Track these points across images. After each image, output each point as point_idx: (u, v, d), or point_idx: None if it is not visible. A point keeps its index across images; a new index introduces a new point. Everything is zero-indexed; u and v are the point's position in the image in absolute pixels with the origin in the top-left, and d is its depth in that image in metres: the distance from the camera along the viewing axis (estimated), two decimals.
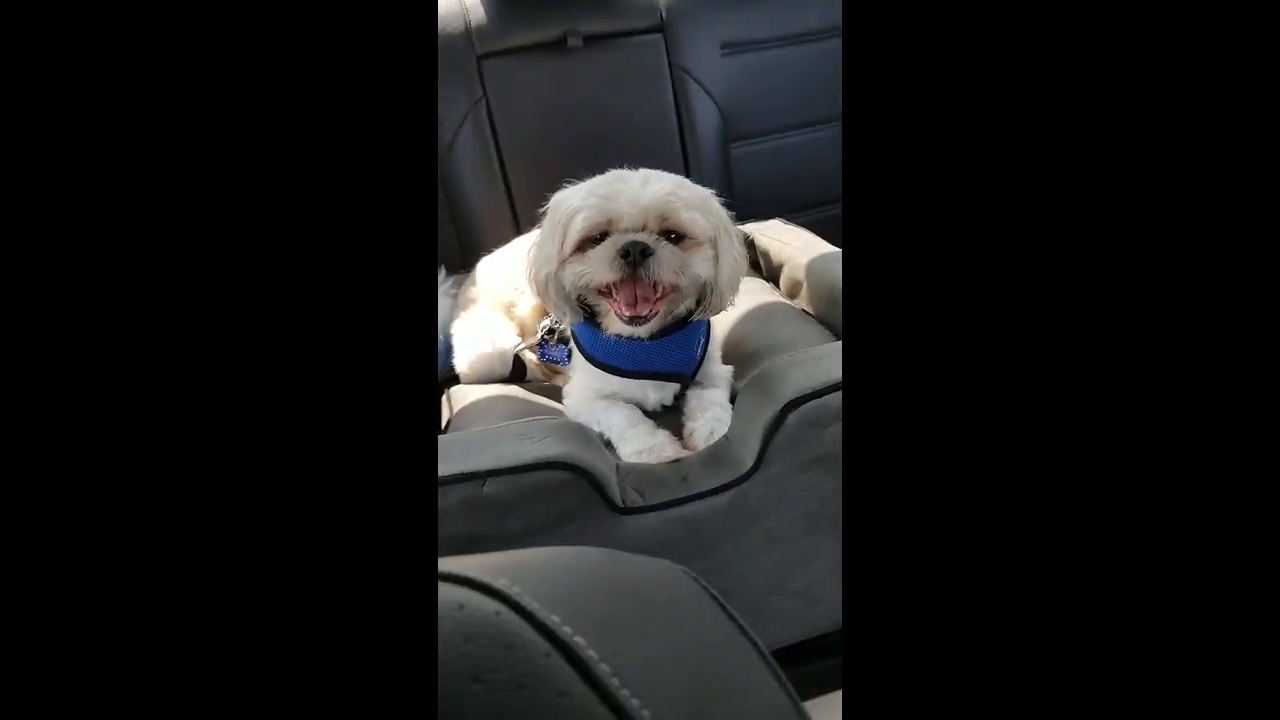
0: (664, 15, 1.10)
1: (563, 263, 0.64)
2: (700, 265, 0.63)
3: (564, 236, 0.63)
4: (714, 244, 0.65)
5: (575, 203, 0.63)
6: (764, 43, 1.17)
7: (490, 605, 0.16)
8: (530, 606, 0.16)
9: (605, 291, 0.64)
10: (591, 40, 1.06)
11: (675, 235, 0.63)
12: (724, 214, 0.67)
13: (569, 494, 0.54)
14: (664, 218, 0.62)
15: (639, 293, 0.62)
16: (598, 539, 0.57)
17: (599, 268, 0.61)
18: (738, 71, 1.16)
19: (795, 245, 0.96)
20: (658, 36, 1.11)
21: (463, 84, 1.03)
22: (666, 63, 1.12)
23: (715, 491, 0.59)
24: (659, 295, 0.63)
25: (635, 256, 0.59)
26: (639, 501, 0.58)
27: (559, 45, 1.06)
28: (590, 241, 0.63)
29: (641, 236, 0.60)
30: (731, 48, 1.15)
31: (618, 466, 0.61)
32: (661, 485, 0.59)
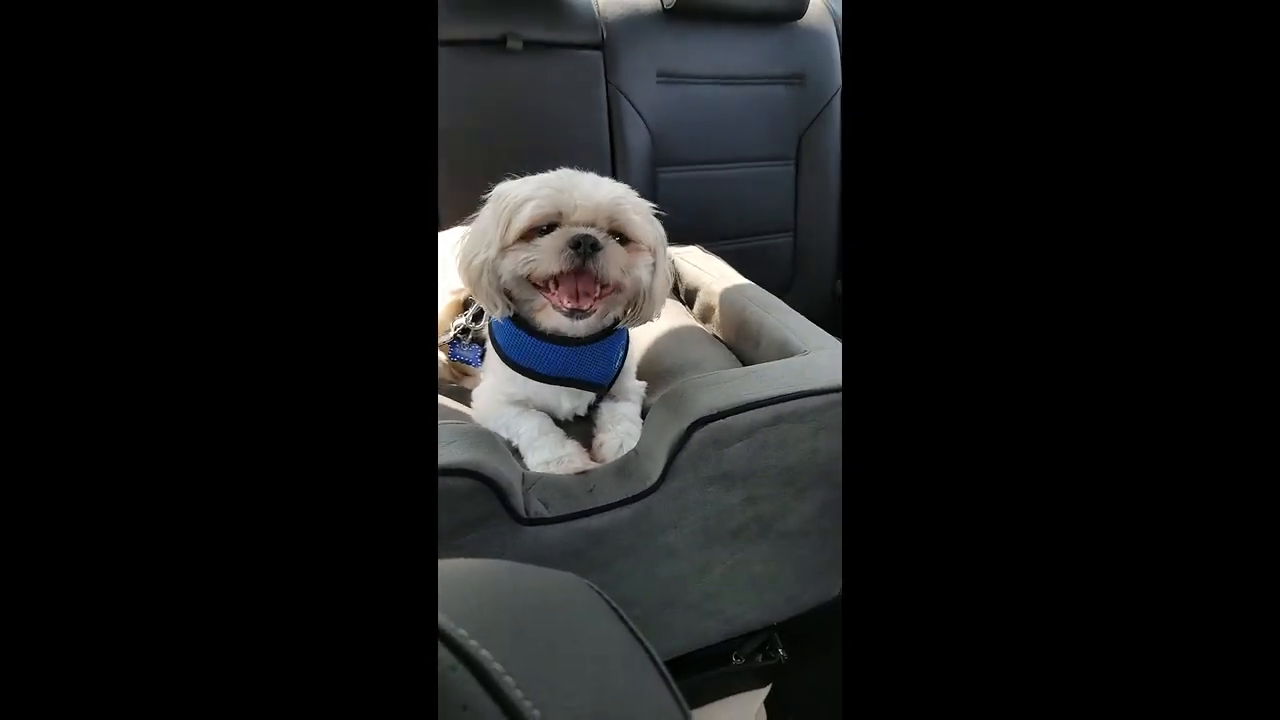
0: (605, 34, 1.13)
1: (503, 250, 0.63)
2: (642, 269, 0.65)
3: (508, 224, 0.62)
4: (654, 253, 0.67)
5: (526, 191, 0.63)
6: (698, 78, 1.22)
7: None
8: (441, 621, 0.16)
9: (542, 285, 0.64)
10: (531, 46, 1.06)
11: (621, 238, 0.64)
12: (661, 229, 0.69)
13: (473, 502, 0.53)
14: (613, 218, 0.63)
15: (581, 286, 0.62)
16: (498, 548, 0.56)
17: (547, 256, 0.61)
18: (671, 100, 1.21)
19: (710, 273, 1.01)
20: (597, 54, 1.13)
21: None
22: (604, 80, 1.14)
23: (620, 504, 0.60)
24: (601, 293, 0.63)
25: (585, 249, 0.60)
26: (543, 512, 0.58)
27: (498, 45, 1.04)
28: (536, 232, 0.62)
29: (591, 231, 0.61)
30: (667, 77, 1.19)
31: (524, 476, 0.61)
32: (568, 496, 0.59)
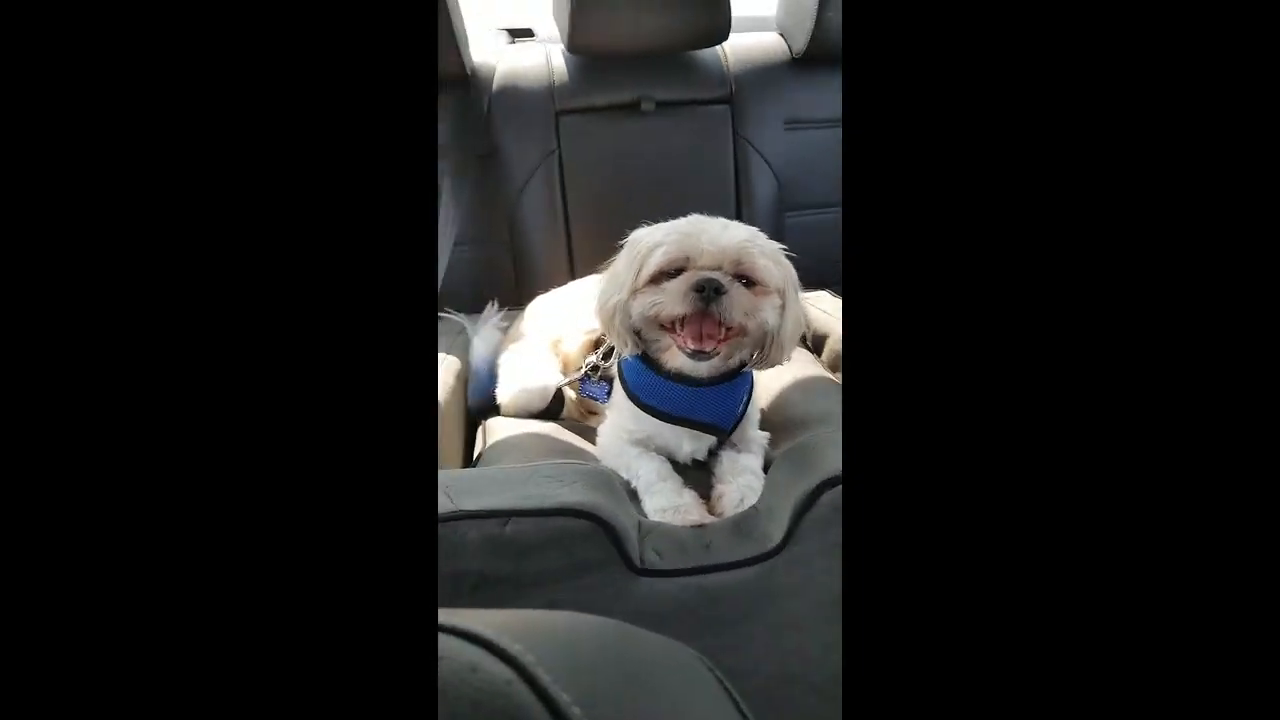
0: (733, 88, 1.15)
1: (634, 292, 0.66)
2: (769, 312, 0.64)
3: (640, 267, 0.65)
4: (782, 295, 0.66)
5: (657, 237, 0.65)
6: (825, 122, 1.20)
7: (502, 673, 0.15)
8: (542, 680, 0.15)
9: (670, 327, 0.65)
10: (663, 105, 1.12)
11: (747, 281, 0.64)
12: (792, 271, 0.68)
13: (589, 544, 0.53)
14: (739, 262, 0.63)
15: (705, 329, 0.63)
16: (612, 596, 0.55)
17: (673, 299, 0.62)
18: (798, 146, 1.19)
19: (840, 318, 0.96)
20: (725, 107, 1.15)
21: (539, 136, 1.09)
22: (731, 131, 1.16)
23: (739, 565, 0.56)
24: (724, 335, 0.64)
25: (709, 292, 0.61)
26: (657, 563, 0.56)
27: (632, 108, 1.11)
28: (665, 275, 0.64)
29: (716, 275, 0.62)
30: (794, 124, 1.19)
31: (640, 523, 0.60)
32: (682, 550, 0.57)
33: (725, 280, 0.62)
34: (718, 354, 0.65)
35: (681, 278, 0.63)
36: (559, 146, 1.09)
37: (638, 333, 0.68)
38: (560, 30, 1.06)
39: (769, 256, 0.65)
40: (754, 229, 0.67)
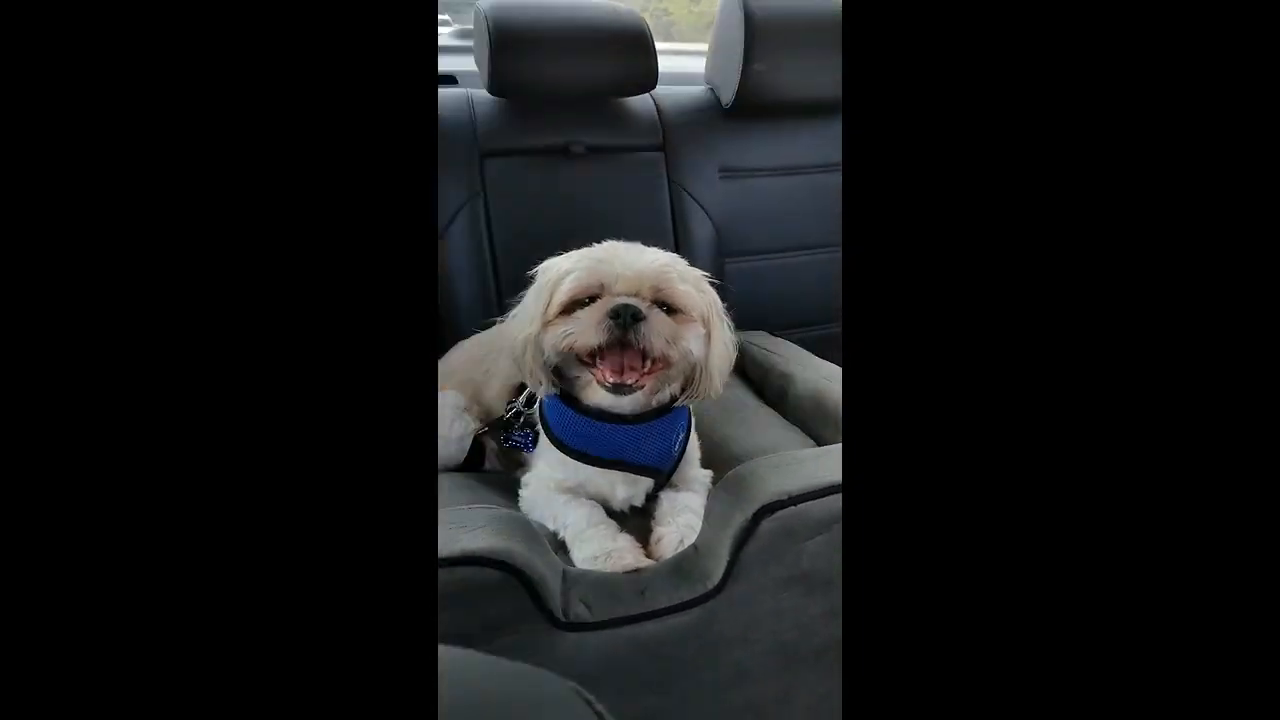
0: (666, 136, 1.18)
1: (546, 325, 0.61)
2: (692, 341, 0.60)
3: (551, 297, 0.61)
4: (706, 323, 0.62)
5: (567, 265, 0.62)
6: (759, 171, 1.24)
7: None
8: None
9: (588, 360, 0.60)
10: (594, 150, 1.13)
11: (668, 308, 0.60)
12: (716, 298, 0.65)
13: (500, 599, 0.46)
14: (658, 288, 0.60)
15: (626, 361, 0.58)
16: (534, 658, 0.48)
17: (586, 329, 0.57)
18: (734, 193, 1.22)
19: (781, 355, 0.95)
20: (659, 154, 1.18)
21: (462, 178, 1.07)
22: (666, 178, 1.18)
23: (675, 609, 0.50)
24: (647, 367, 0.59)
25: (626, 319, 0.56)
26: (584, 615, 0.49)
27: (562, 151, 1.11)
28: (578, 304, 0.60)
29: (633, 301, 0.58)
30: (729, 172, 1.22)
31: (565, 573, 0.53)
32: (613, 598, 0.51)
33: (643, 307, 0.58)
34: (641, 387, 0.60)
35: (595, 305, 0.59)
36: (484, 188, 1.08)
37: (556, 369, 0.63)
38: (480, 71, 1.06)
39: (690, 282, 0.62)
40: (673, 254, 0.64)
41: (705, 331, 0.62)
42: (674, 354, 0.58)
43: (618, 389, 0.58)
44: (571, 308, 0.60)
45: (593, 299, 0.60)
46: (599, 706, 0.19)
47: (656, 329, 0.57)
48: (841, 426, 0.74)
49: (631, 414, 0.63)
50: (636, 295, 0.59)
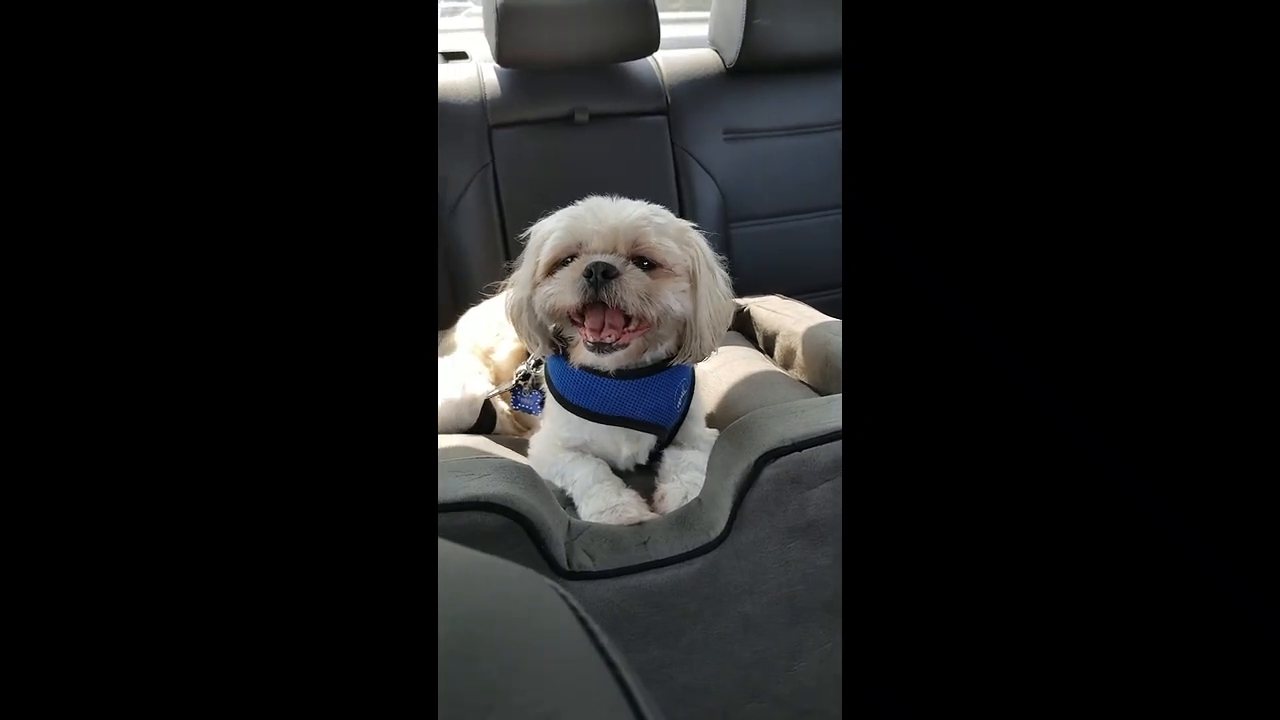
0: (669, 99, 1.16)
1: (534, 286, 0.60)
2: (671, 297, 0.58)
3: (537, 259, 0.60)
4: (692, 278, 0.60)
5: (550, 225, 0.61)
6: (765, 132, 1.21)
7: None
8: None
9: (577, 321, 0.59)
10: (598, 117, 1.11)
11: (648, 264, 0.59)
12: (706, 248, 0.63)
13: (503, 545, 0.46)
14: (634, 243, 0.58)
15: (607, 319, 0.57)
16: None
17: (564, 289, 0.57)
18: (739, 156, 1.20)
19: (790, 315, 0.93)
20: (662, 118, 1.15)
21: (472, 150, 1.06)
22: (669, 142, 1.16)
23: (679, 559, 0.50)
24: (629, 326, 0.58)
25: (597, 278, 0.55)
26: (588, 565, 0.49)
27: (567, 120, 1.10)
28: (560, 264, 0.59)
29: (608, 258, 0.56)
30: (733, 134, 1.19)
31: (570, 524, 0.53)
32: (617, 548, 0.51)
33: (619, 263, 0.56)
34: (624, 346, 0.58)
35: (572, 264, 0.58)
36: (493, 159, 1.07)
37: (556, 330, 0.63)
38: (489, 44, 1.05)
39: (670, 235, 0.60)
40: (654, 206, 0.62)
41: (690, 286, 0.60)
42: (650, 312, 0.57)
43: (598, 347, 0.58)
44: (554, 268, 0.59)
45: (573, 258, 0.59)
46: (574, 601, 0.19)
47: (629, 286, 0.56)
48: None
49: (617, 372, 0.62)
50: (614, 251, 0.58)
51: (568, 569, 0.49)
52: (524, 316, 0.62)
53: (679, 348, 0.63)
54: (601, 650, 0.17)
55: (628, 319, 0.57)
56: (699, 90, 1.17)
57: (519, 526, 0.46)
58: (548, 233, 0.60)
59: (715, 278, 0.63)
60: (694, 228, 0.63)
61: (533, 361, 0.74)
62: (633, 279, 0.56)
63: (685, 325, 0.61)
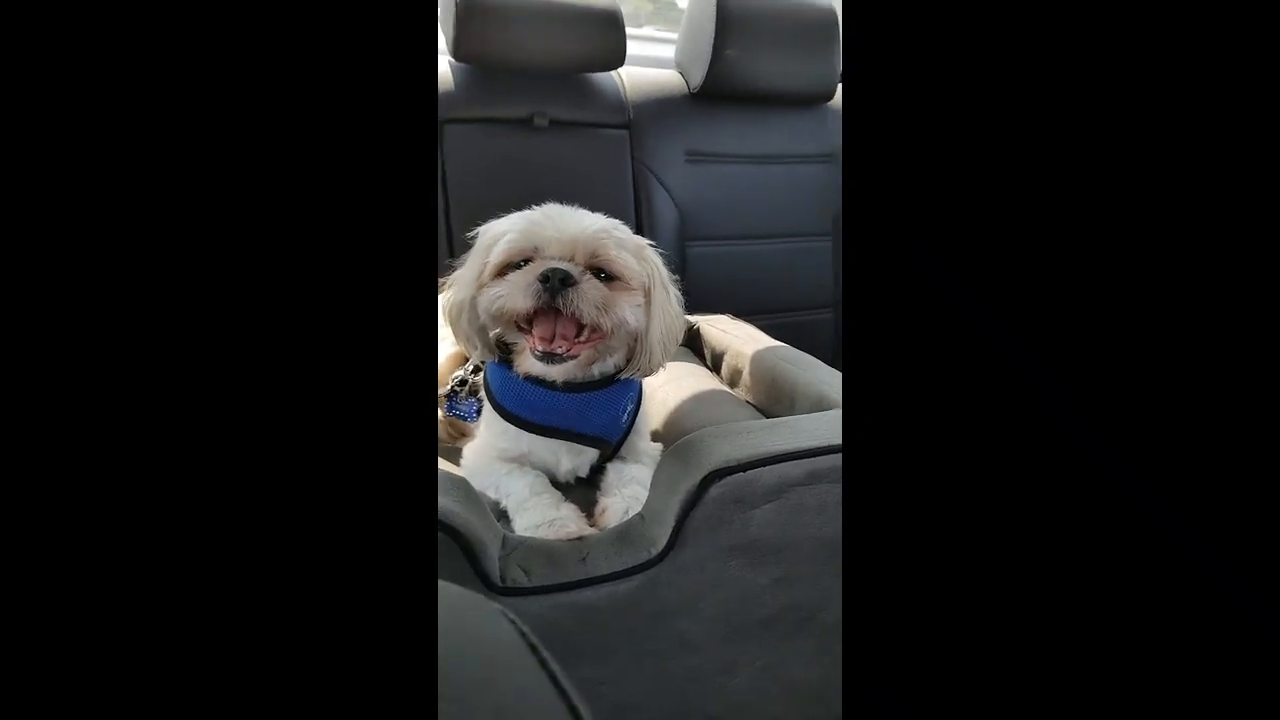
0: (631, 115, 1.16)
1: (480, 288, 0.58)
2: (628, 310, 0.57)
3: (485, 260, 0.58)
4: (646, 293, 0.60)
5: (503, 227, 0.59)
6: (728, 157, 1.24)
7: None
8: None
9: (524, 328, 0.57)
10: (558, 124, 1.10)
11: (604, 275, 0.58)
12: (661, 266, 0.63)
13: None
14: (594, 254, 0.57)
15: (559, 328, 0.55)
16: None
17: (516, 292, 0.55)
18: (700, 177, 1.21)
19: (738, 336, 0.94)
20: (624, 133, 1.16)
21: None
22: (630, 158, 1.16)
23: (618, 576, 0.49)
24: (581, 337, 0.56)
25: (555, 284, 0.53)
26: (521, 581, 0.47)
27: (525, 123, 1.08)
28: (512, 267, 0.57)
29: (566, 266, 0.55)
30: (696, 156, 1.21)
31: (505, 538, 0.51)
32: (553, 564, 0.49)
33: (575, 272, 0.55)
34: (574, 357, 0.57)
35: (527, 268, 0.56)
36: (442, 155, 1.04)
37: (498, 336, 0.60)
38: (445, 37, 1.03)
39: (629, 249, 0.59)
40: (614, 220, 0.61)
41: (645, 301, 0.59)
42: (606, 323, 0.56)
43: (547, 357, 0.56)
44: (505, 270, 0.57)
45: (527, 262, 0.57)
46: (523, 626, 0.18)
47: (586, 295, 0.54)
48: (842, 399, 0.74)
49: (564, 383, 0.60)
50: (571, 260, 0.56)
51: (501, 585, 0.46)
52: (464, 318, 0.59)
53: (628, 361, 0.62)
54: (550, 673, 0.16)
55: (580, 329, 0.56)
56: (663, 109, 1.18)
57: (451, 540, 0.43)
58: (500, 234, 0.58)
59: (669, 295, 0.62)
60: (650, 245, 0.63)
61: (471, 367, 0.72)
62: (590, 288, 0.55)
63: (636, 339, 0.60)
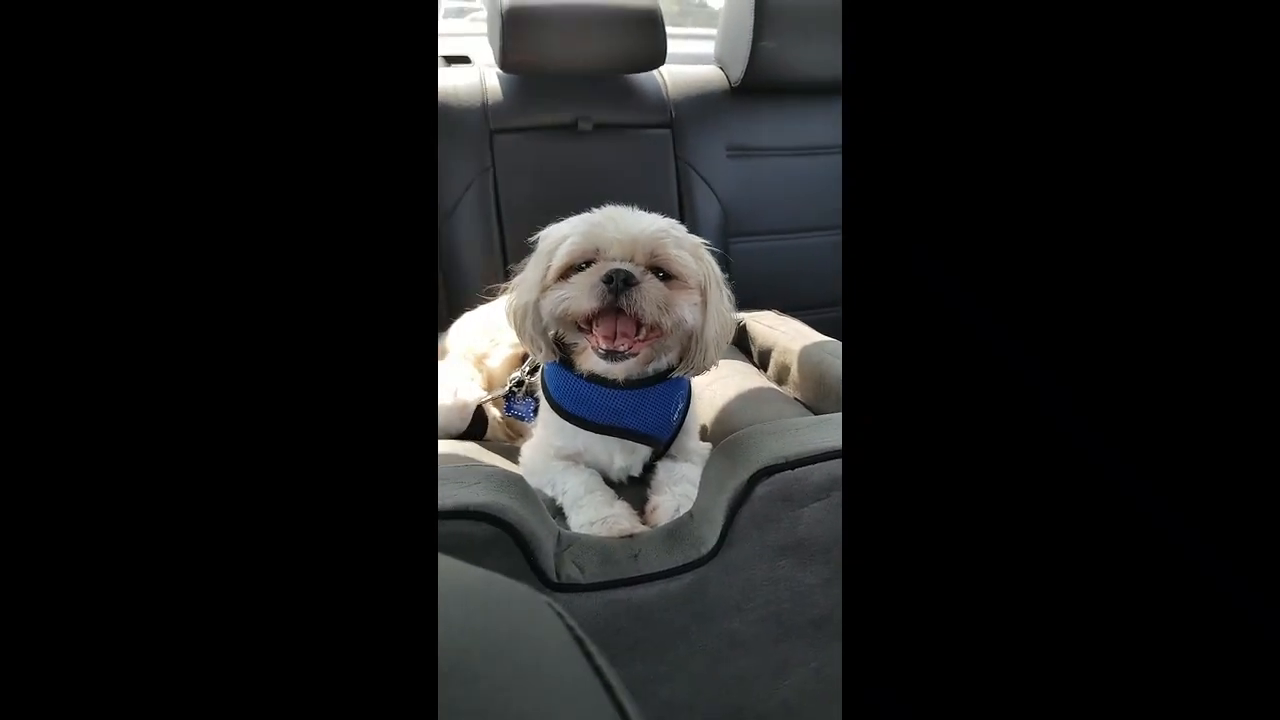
0: (673, 113, 1.17)
1: (544, 290, 0.60)
2: (686, 309, 0.59)
3: (548, 263, 0.60)
4: (703, 292, 0.61)
5: (564, 230, 0.61)
6: (768, 150, 1.22)
7: None
8: None
9: (584, 328, 0.60)
10: (601, 127, 1.12)
11: (663, 275, 0.59)
12: (715, 266, 0.64)
13: (492, 555, 0.46)
14: (653, 254, 0.59)
15: (619, 327, 0.57)
16: None
17: (580, 294, 0.57)
18: (743, 172, 1.21)
19: (785, 331, 0.93)
20: (666, 132, 1.16)
21: (473, 154, 1.06)
22: (673, 156, 1.17)
23: (668, 574, 0.50)
24: (641, 335, 0.58)
25: (618, 284, 0.55)
26: (576, 577, 0.49)
27: (570, 128, 1.11)
28: (574, 269, 0.59)
29: (627, 266, 0.57)
30: (736, 151, 1.20)
31: (560, 535, 0.53)
32: (607, 561, 0.50)
33: (637, 272, 0.57)
34: (635, 355, 0.59)
35: (590, 270, 0.58)
36: (493, 164, 1.07)
37: (557, 336, 0.63)
38: (493, 49, 1.06)
39: (686, 249, 0.61)
40: (671, 220, 0.62)
41: (701, 300, 0.61)
42: (666, 321, 0.57)
43: (610, 355, 0.58)
44: (568, 273, 0.59)
45: (589, 264, 0.59)
46: (570, 619, 0.19)
47: (649, 294, 0.56)
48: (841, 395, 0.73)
49: (621, 381, 0.62)
50: (632, 260, 0.58)
51: (556, 581, 0.48)
52: (528, 320, 0.62)
53: (680, 360, 0.63)
54: (596, 668, 0.17)
55: (639, 328, 0.58)
56: (704, 106, 1.18)
57: (508, 537, 0.46)
58: (562, 237, 0.60)
59: (722, 294, 0.64)
60: (704, 244, 0.64)
61: (528, 368, 0.74)
62: (652, 288, 0.57)
63: (691, 337, 0.61)
